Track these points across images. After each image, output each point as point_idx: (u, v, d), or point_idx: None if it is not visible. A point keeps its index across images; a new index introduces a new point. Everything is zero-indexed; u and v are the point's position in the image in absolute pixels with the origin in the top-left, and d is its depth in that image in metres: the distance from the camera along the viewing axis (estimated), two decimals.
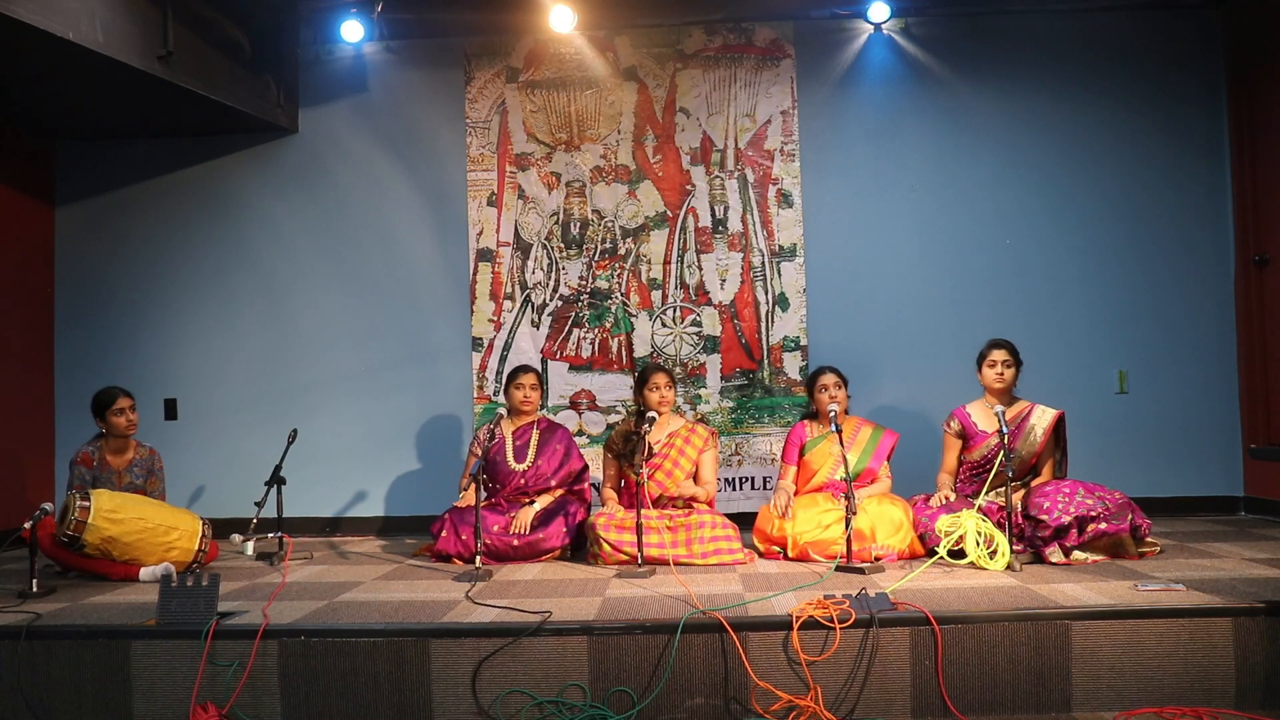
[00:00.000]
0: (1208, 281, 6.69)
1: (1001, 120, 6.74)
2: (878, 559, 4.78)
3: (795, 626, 3.59)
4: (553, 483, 5.50)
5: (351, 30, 6.67)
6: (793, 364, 6.60)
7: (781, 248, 6.67)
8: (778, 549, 5.09)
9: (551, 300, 6.70)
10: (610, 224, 6.72)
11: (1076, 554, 4.71)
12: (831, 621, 3.59)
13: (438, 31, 6.81)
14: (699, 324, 6.66)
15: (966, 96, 6.74)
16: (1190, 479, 6.59)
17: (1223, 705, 3.57)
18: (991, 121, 6.74)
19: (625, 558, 4.90)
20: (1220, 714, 3.51)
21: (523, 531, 5.18)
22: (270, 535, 5.64)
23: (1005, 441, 4.73)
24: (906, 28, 6.78)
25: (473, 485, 4.80)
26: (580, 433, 6.55)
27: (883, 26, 6.76)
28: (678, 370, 6.56)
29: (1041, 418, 5.24)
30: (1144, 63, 6.74)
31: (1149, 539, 4.92)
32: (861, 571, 4.50)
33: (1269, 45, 6.34)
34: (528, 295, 6.71)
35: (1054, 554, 4.69)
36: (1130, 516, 4.82)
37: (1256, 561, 4.62)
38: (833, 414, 5.04)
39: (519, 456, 5.54)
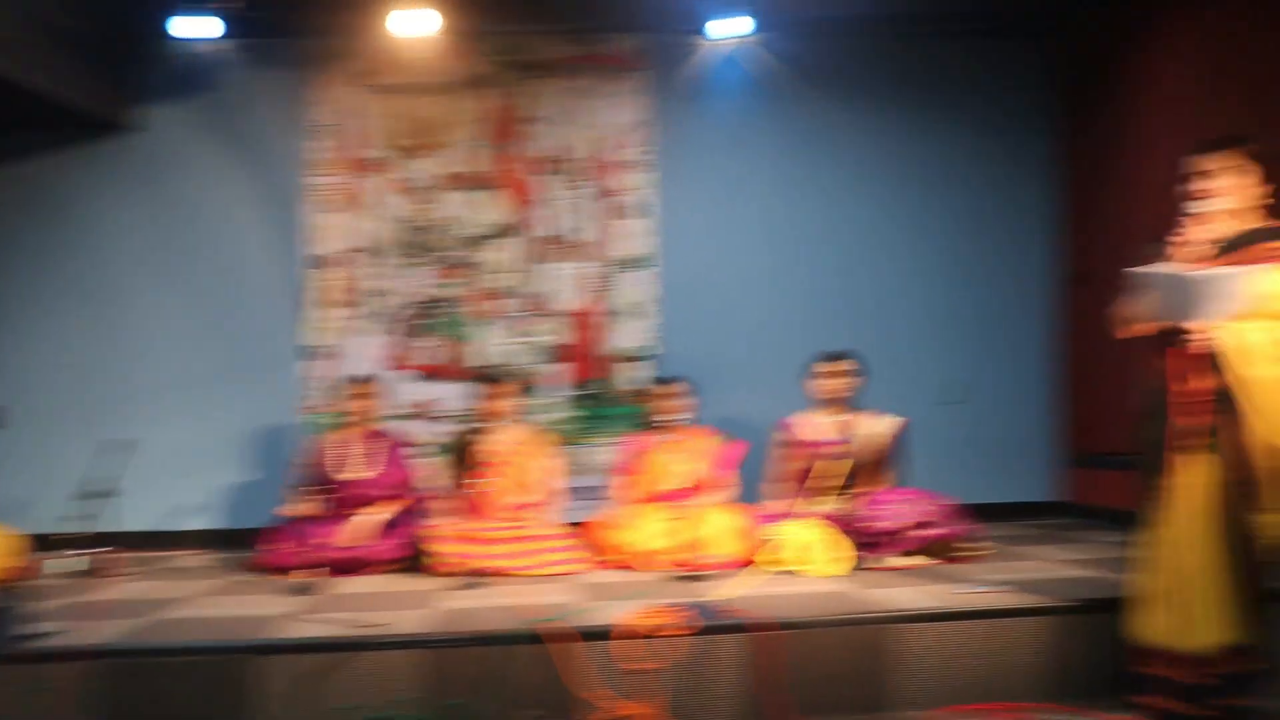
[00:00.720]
0: (1031, 297, 7.02)
1: (848, 136, 6.93)
2: (714, 567, 4.86)
3: (631, 635, 3.63)
4: (390, 492, 5.44)
5: (197, 26, 6.41)
6: (637, 374, 6.66)
7: (629, 258, 6.72)
8: (615, 558, 5.14)
9: (394, 308, 6.62)
10: (457, 232, 6.68)
11: (907, 559, 4.89)
12: (666, 629, 3.65)
13: (287, 31, 6.61)
14: (544, 333, 6.67)
15: (817, 111, 6.90)
16: (1015, 485, 6.89)
17: (1033, 699, 3.77)
18: (839, 136, 6.93)
19: (461, 569, 4.86)
20: (1031, 707, 3.71)
21: (358, 542, 5.12)
22: (95, 551, 5.42)
23: (841, 450, 4.87)
24: (759, 43, 6.90)
25: (307, 496, 4.73)
26: (420, 442, 6.47)
27: (736, 41, 6.86)
28: (522, 380, 6.54)
29: (876, 426, 5.42)
30: (981, 87, 7.02)
31: (974, 544, 5.14)
32: (699, 580, 4.58)
33: (1094, 77, 6.69)
34: (370, 303, 6.61)
35: (884, 560, 4.86)
36: (957, 522, 5.04)
37: (1071, 563, 4.89)
38: (674, 423, 5.11)
39: (355, 466, 5.46)
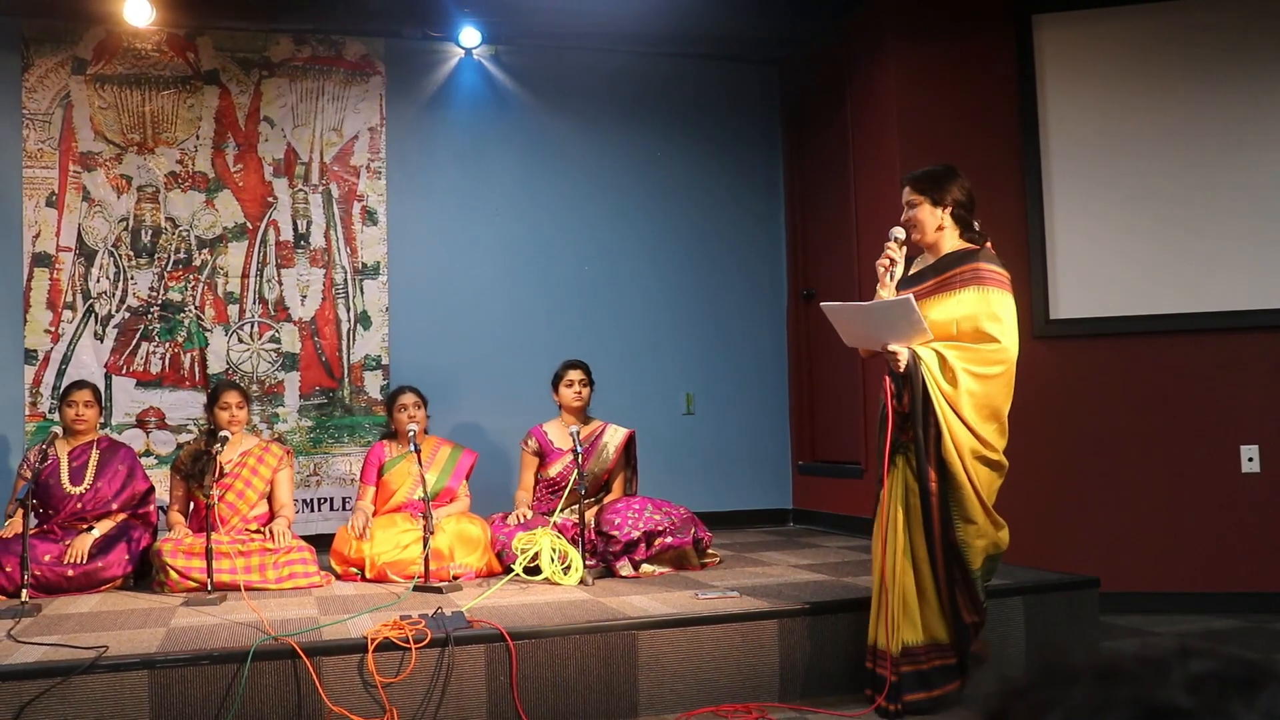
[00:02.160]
0: (765, 313, 7.33)
1: (585, 150, 7.05)
2: (455, 578, 4.85)
3: (370, 649, 3.57)
4: (114, 506, 5.13)
5: None
6: (374, 383, 6.56)
7: (365, 265, 6.62)
8: (355, 570, 5.04)
9: (118, 311, 6.26)
10: (185, 233, 6.39)
11: (645, 567, 4.99)
12: (407, 642, 3.61)
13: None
14: (278, 340, 6.46)
15: (553, 125, 6.99)
16: (748, 493, 7.17)
17: (769, 699, 3.91)
18: (575, 150, 7.04)
19: (194, 585, 4.64)
20: (767, 707, 3.85)
21: (79, 560, 4.80)
22: None
23: (579, 460, 4.94)
24: (496, 54, 6.95)
25: (20, 511, 4.41)
26: (148, 453, 6.16)
27: (473, 51, 6.89)
28: (254, 388, 6.32)
29: (614, 436, 5.52)
30: (713, 108, 7.28)
31: (710, 550, 5.31)
32: (439, 591, 4.55)
33: (814, 102, 7.06)
34: (91, 305, 6.23)
35: (624, 568, 4.94)
36: (694, 530, 5.18)
37: (800, 567, 5.10)
38: (411, 434, 5.05)
39: (75, 479, 5.13)
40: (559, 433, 5.52)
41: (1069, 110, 5.67)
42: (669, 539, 5.06)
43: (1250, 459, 5.29)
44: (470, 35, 6.74)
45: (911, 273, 3.74)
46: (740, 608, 4.08)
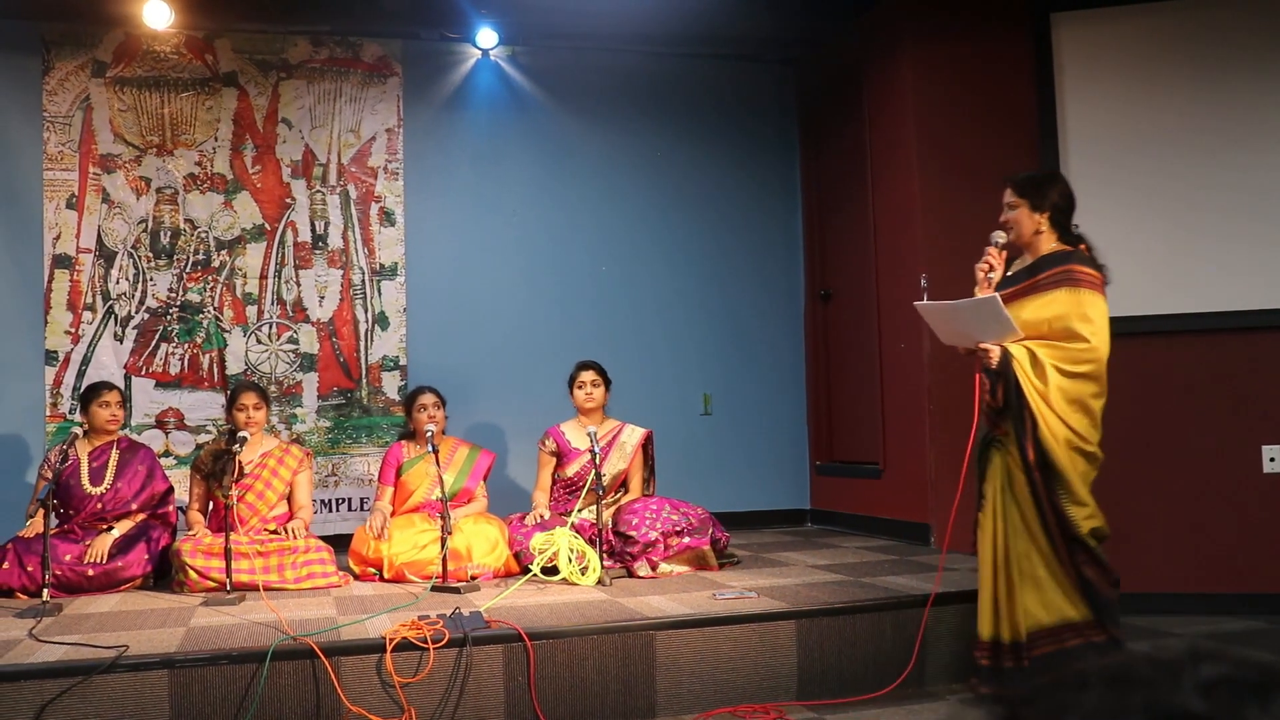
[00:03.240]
0: (782, 313, 7.31)
1: (602, 150, 7.05)
2: (473, 578, 4.86)
3: (389, 649, 3.59)
4: (134, 506, 5.16)
5: None
6: (391, 383, 6.58)
7: (383, 266, 6.63)
8: (373, 571, 5.06)
9: (137, 313, 6.29)
10: (204, 234, 6.42)
11: (663, 567, 4.99)
12: (425, 642, 3.62)
13: (12, 12, 6.17)
14: (296, 341, 6.49)
15: (569, 126, 7.00)
16: (765, 494, 7.16)
17: (787, 700, 3.92)
18: (593, 151, 7.04)
19: (213, 584, 4.66)
20: (785, 707, 3.85)
21: (99, 560, 4.83)
22: None
23: (596, 460, 4.94)
24: (513, 55, 6.96)
25: (40, 511, 4.44)
26: (167, 453, 6.19)
27: (490, 52, 6.90)
28: (273, 389, 6.34)
29: (631, 436, 5.52)
30: (730, 108, 7.28)
31: (728, 551, 5.31)
32: (457, 591, 4.56)
33: (830, 103, 7.04)
34: (111, 306, 6.26)
35: (642, 568, 4.95)
36: (711, 530, 5.18)
37: (818, 568, 5.09)
38: (430, 434, 5.06)
39: (96, 479, 5.16)
40: (576, 433, 5.53)
41: (1087, 109, 5.64)
42: (687, 539, 5.06)
43: (1273, 459, 5.25)
44: (487, 36, 6.75)
45: (1010, 273, 3.80)
46: (758, 608, 4.09)
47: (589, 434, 5.09)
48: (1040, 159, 5.62)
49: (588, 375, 5.52)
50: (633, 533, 5.00)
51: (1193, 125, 5.49)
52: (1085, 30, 5.69)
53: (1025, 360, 3.57)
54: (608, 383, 5.56)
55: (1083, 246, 3.74)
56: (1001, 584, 3.65)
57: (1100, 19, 5.66)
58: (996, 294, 3.60)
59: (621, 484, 5.53)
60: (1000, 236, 3.76)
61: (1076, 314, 3.58)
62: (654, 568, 4.97)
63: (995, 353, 3.58)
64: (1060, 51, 5.69)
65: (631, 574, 4.95)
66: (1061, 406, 3.55)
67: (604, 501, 5.05)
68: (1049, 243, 3.75)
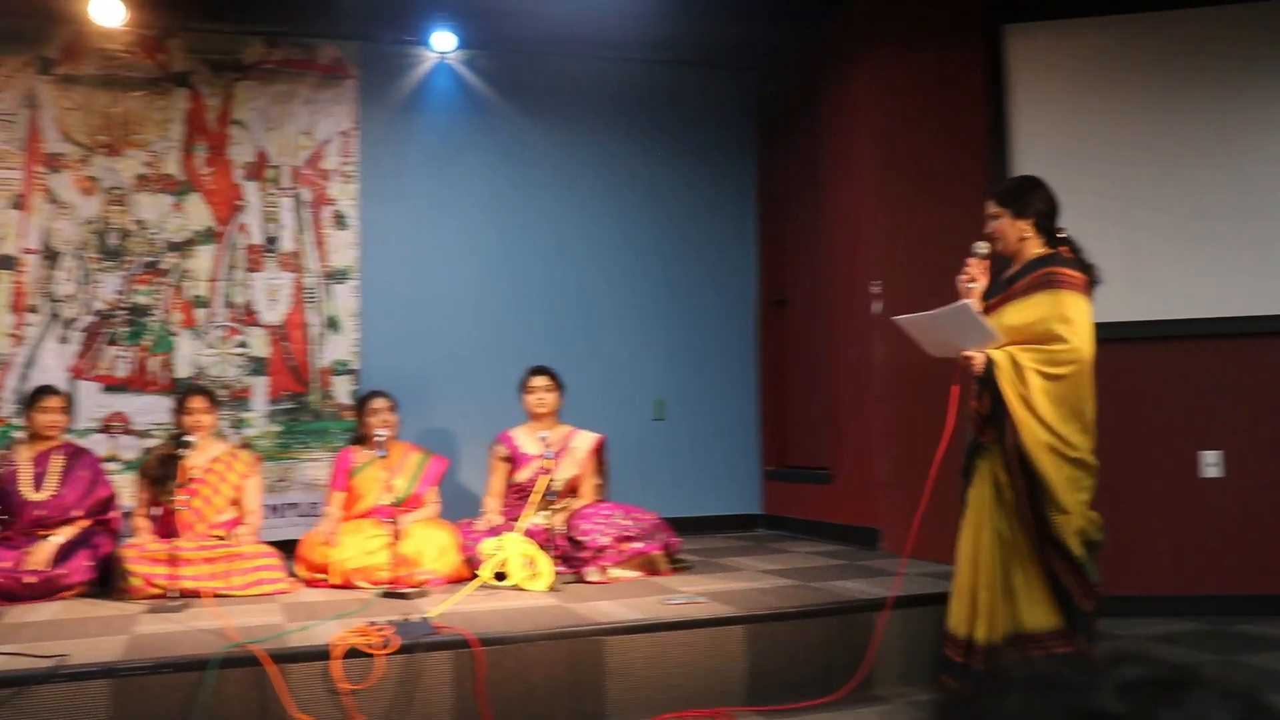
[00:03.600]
0: (735, 318, 7.34)
1: (558, 156, 7.04)
2: (423, 584, 4.83)
3: (337, 656, 3.55)
4: (77, 512, 5.07)
5: None
6: (342, 388, 6.52)
7: (335, 270, 6.58)
8: (322, 576, 5.01)
9: (84, 315, 6.20)
10: (154, 236, 6.34)
11: (614, 572, 4.99)
12: (374, 649, 3.59)
13: None
14: (246, 345, 6.42)
15: (527, 131, 6.98)
16: (717, 499, 7.17)
17: (737, 704, 3.92)
18: (549, 156, 7.03)
19: (157, 591, 4.59)
20: (734, 712, 3.86)
21: (41, 567, 4.75)
22: None
23: (548, 465, 4.93)
24: (470, 59, 6.93)
25: None
26: (112, 458, 6.09)
27: (447, 56, 6.87)
28: (222, 393, 6.26)
29: (583, 441, 5.52)
30: (687, 114, 7.30)
31: (679, 556, 5.31)
32: (406, 597, 4.52)
33: (787, 110, 7.08)
34: (56, 308, 6.17)
35: (593, 573, 4.94)
36: (663, 536, 5.19)
37: (768, 573, 5.10)
38: (381, 439, 5.03)
39: (38, 485, 5.06)
40: (528, 438, 5.51)
41: (1038, 120, 5.70)
42: (638, 545, 5.06)
43: (1210, 464, 5.34)
44: (444, 40, 6.72)
45: (1000, 280, 3.80)
46: (708, 613, 4.09)
47: (541, 439, 5.08)
48: (992, 169, 5.67)
49: (540, 381, 5.51)
50: (584, 538, 4.99)
51: (1140, 137, 5.56)
52: (1037, 43, 5.75)
53: (1007, 365, 3.57)
54: (560, 388, 5.55)
55: (1063, 249, 3.75)
56: (982, 587, 3.64)
57: (1052, 32, 5.73)
58: (969, 301, 3.62)
59: (573, 489, 5.52)
60: (982, 247, 3.76)
61: (1056, 316, 3.58)
62: (605, 573, 4.97)
63: (979, 360, 3.59)
64: (1013, 64, 5.75)
65: (582, 579, 4.94)
66: (1046, 410, 3.54)
67: (555, 507, 5.05)
68: (1035, 248, 3.76)
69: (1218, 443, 5.36)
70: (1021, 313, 3.64)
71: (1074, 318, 3.59)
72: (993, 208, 3.80)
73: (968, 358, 3.62)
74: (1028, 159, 5.63)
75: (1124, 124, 5.59)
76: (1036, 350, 3.58)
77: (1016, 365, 3.57)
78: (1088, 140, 5.61)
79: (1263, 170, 5.43)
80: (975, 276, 3.71)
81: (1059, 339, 3.57)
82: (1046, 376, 3.56)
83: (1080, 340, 3.59)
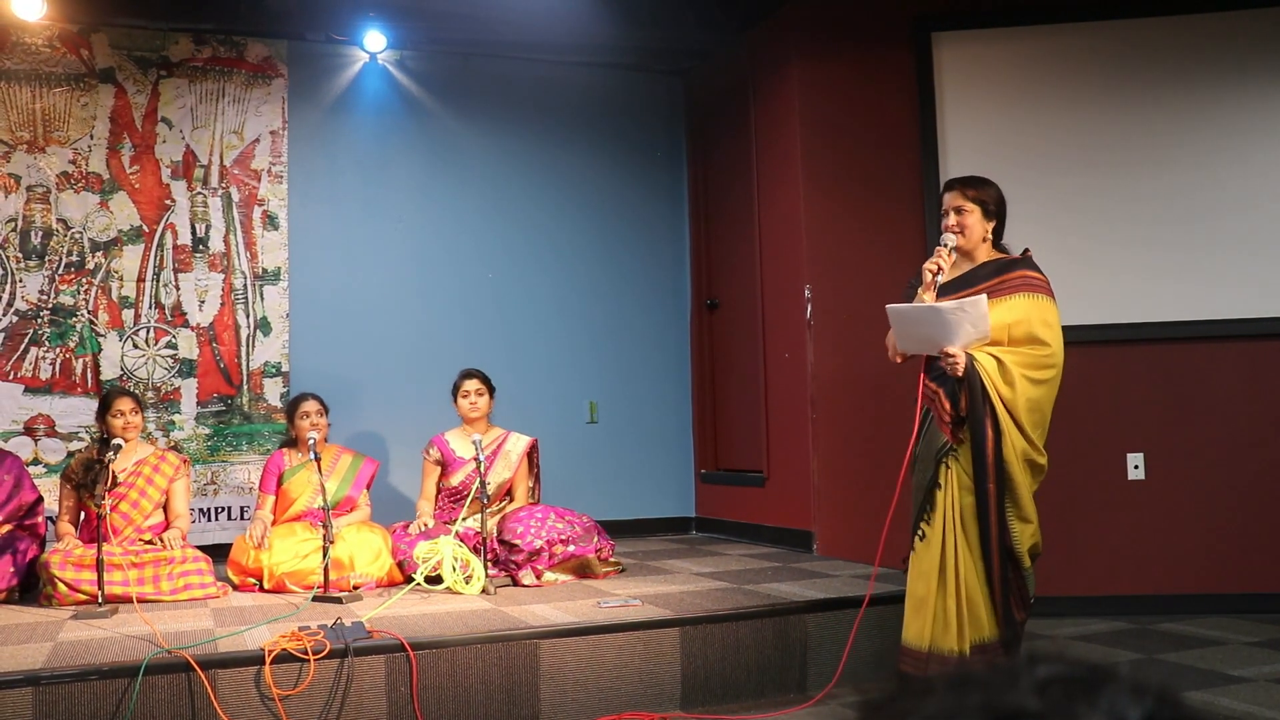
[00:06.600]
0: (668, 321, 7.36)
1: (490, 158, 7.02)
2: (356, 588, 4.79)
3: (268, 661, 3.52)
4: (1, 516, 4.98)
5: None
6: (274, 390, 6.45)
7: (265, 271, 6.50)
8: (253, 581, 4.95)
9: (5, 315, 6.06)
10: (78, 235, 6.22)
11: (548, 576, 4.99)
12: (306, 653, 3.56)
13: None
14: (175, 346, 6.32)
15: (458, 132, 6.96)
16: (651, 502, 7.19)
17: (670, 708, 3.94)
18: (481, 158, 7.00)
19: (84, 597, 4.51)
20: (669, 715, 3.88)
21: None
22: None
23: (481, 468, 4.92)
24: (401, 60, 6.89)
25: None
26: (36, 461, 5.97)
27: (378, 56, 6.82)
28: (150, 395, 6.17)
29: (516, 444, 5.51)
30: (619, 117, 7.31)
31: (613, 559, 5.32)
32: (339, 601, 4.49)
33: (719, 115, 7.13)
34: None
35: (526, 577, 4.94)
36: (596, 539, 5.20)
37: (702, 575, 5.13)
38: (312, 441, 4.99)
39: None
40: (461, 441, 5.50)
41: (966, 125, 5.80)
42: (572, 547, 5.07)
43: (1136, 466, 5.46)
44: (375, 40, 6.67)
45: (945, 280, 3.71)
46: (642, 616, 4.11)
47: (474, 442, 5.07)
48: (923, 175, 5.76)
49: (471, 384, 5.49)
50: (517, 541, 4.99)
51: (1068, 144, 5.68)
52: (966, 51, 5.85)
53: (993, 368, 3.52)
54: (492, 391, 5.54)
55: (1028, 252, 3.78)
56: (951, 597, 3.58)
57: (979, 40, 5.83)
58: (984, 296, 3.54)
59: (507, 492, 5.51)
60: (951, 239, 3.72)
61: (1038, 319, 3.59)
62: (539, 576, 4.97)
63: (962, 360, 3.51)
64: (941, 71, 5.84)
65: (516, 583, 4.94)
66: (1025, 417, 3.53)
67: (489, 510, 5.04)
68: (986, 250, 3.78)
69: (1140, 445, 5.48)
70: (999, 313, 3.59)
71: (1054, 323, 3.62)
72: (960, 200, 3.76)
73: (949, 356, 3.53)
74: (956, 164, 5.71)
75: (1051, 131, 5.70)
76: (1020, 353, 3.57)
77: (1003, 367, 3.54)
78: (1015, 146, 5.72)
79: (1187, 178, 5.57)
80: (942, 267, 3.66)
81: (1041, 342, 3.58)
82: (1031, 381, 3.55)
83: (1059, 346, 3.61)
